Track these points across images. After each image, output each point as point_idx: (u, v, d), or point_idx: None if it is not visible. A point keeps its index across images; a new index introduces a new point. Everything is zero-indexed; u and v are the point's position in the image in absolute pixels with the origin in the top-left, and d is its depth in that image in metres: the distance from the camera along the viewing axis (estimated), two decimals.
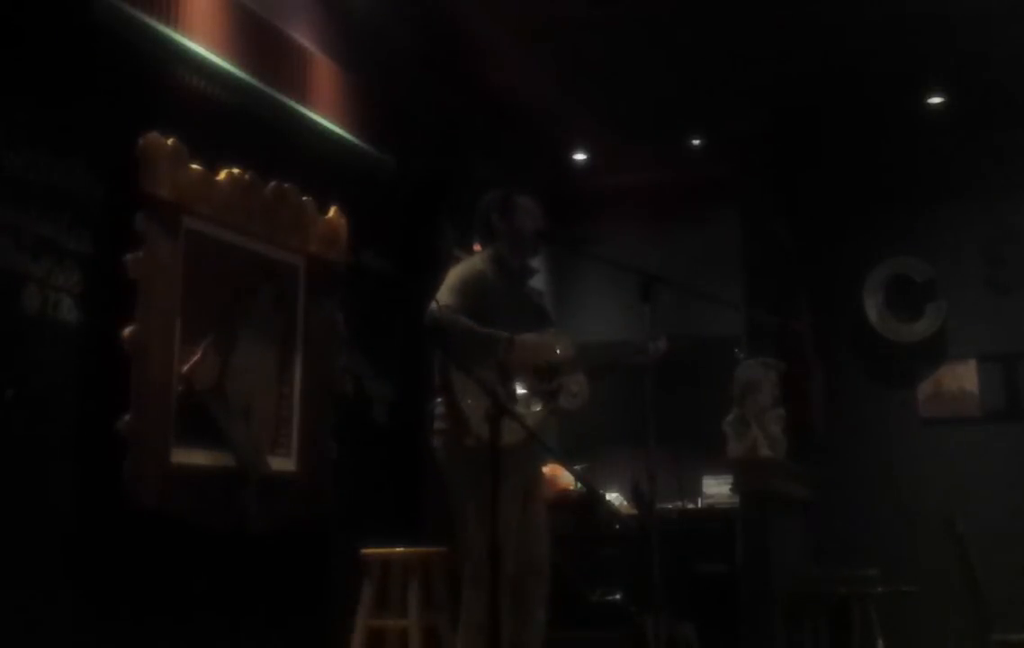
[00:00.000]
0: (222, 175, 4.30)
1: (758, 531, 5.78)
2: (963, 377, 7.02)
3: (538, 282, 4.62)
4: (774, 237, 7.11)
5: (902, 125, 6.86)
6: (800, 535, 6.39)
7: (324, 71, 5.05)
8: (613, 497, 6.73)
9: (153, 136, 3.95)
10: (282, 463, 4.60)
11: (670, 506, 6.38)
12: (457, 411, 3.85)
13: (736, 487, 6.24)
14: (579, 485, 6.30)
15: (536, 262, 4.42)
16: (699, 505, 6.76)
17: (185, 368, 4.09)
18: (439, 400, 4.01)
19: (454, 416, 3.88)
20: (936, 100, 6.59)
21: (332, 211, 4.98)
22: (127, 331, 3.81)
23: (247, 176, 4.43)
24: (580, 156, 7.49)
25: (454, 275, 4.08)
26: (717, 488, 6.81)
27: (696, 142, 7.20)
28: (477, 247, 4.53)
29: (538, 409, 4.02)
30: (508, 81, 6.32)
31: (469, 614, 3.83)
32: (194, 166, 4.14)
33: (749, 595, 5.72)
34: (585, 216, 7.53)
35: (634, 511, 6.39)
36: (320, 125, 4.97)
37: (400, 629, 4.66)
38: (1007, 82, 6.31)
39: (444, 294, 3.95)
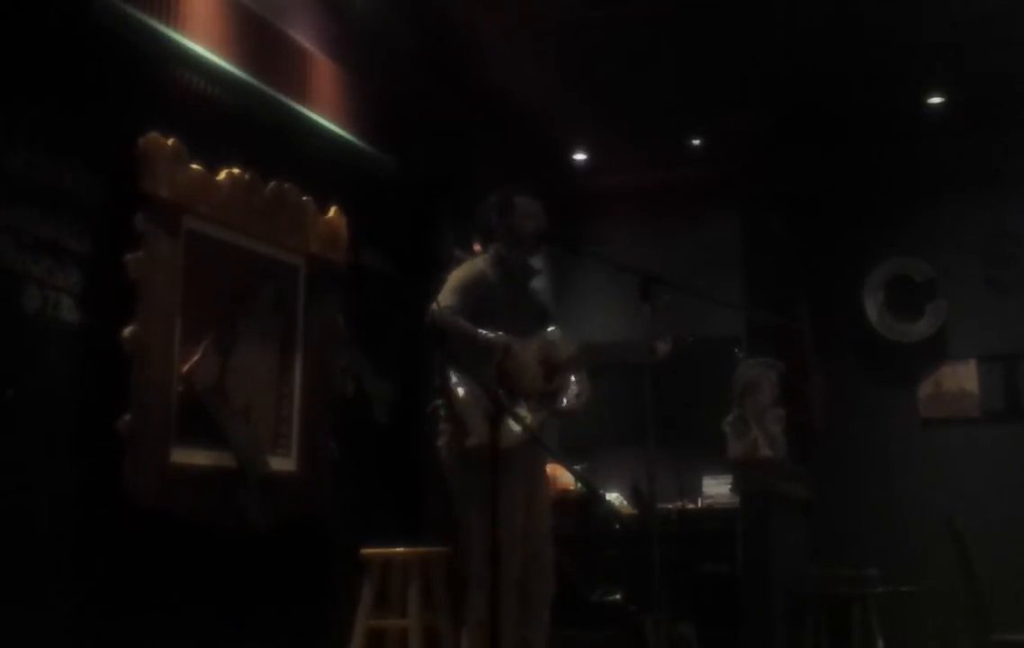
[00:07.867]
0: (222, 175, 4.31)
1: (758, 531, 5.78)
2: (963, 377, 7.02)
3: (538, 282, 4.61)
4: (774, 237, 7.11)
5: (902, 125, 6.86)
6: (800, 535, 6.38)
7: (324, 71, 5.06)
8: (613, 497, 6.73)
9: (153, 136, 3.95)
10: (282, 463, 4.60)
11: (670, 506, 6.39)
12: (457, 413, 3.85)
13: (736, 487, 6.24)
14: (579, 485, 6.30)
15: (537, 262, 4.42)
16: (699, 505, 6.77)
17: (185, 368, 4.09)
18: (440, 402, 4.02)
19: (455, 418, 3.88)
20: (936, 100, 6.59)
21: (332, 211, 4.98)
22: (127, 331, 3.81)
23: (247, 176, 4.43)
24: (580, 156, 7.49)
25: (455, 277, 4.10)
26: (717, 488, 6.82)
27: (696, 142, 7.20)
28: (477, 247, 4.54)
29: (539, 410, 4.02)
30: (508, 81, 6.32)
31: (474, 614, 3.83)
32: (194, 166, 4.14)
33: (749, 595, 5.72)
34: (585, 216, 7.53)
35: (634, 511, 6.40)
36: (320, 125, 4.97)
37: (400, 629, 4.67)
38: (1007, 82, 6.31)
39: (445, 295, 3.97)
